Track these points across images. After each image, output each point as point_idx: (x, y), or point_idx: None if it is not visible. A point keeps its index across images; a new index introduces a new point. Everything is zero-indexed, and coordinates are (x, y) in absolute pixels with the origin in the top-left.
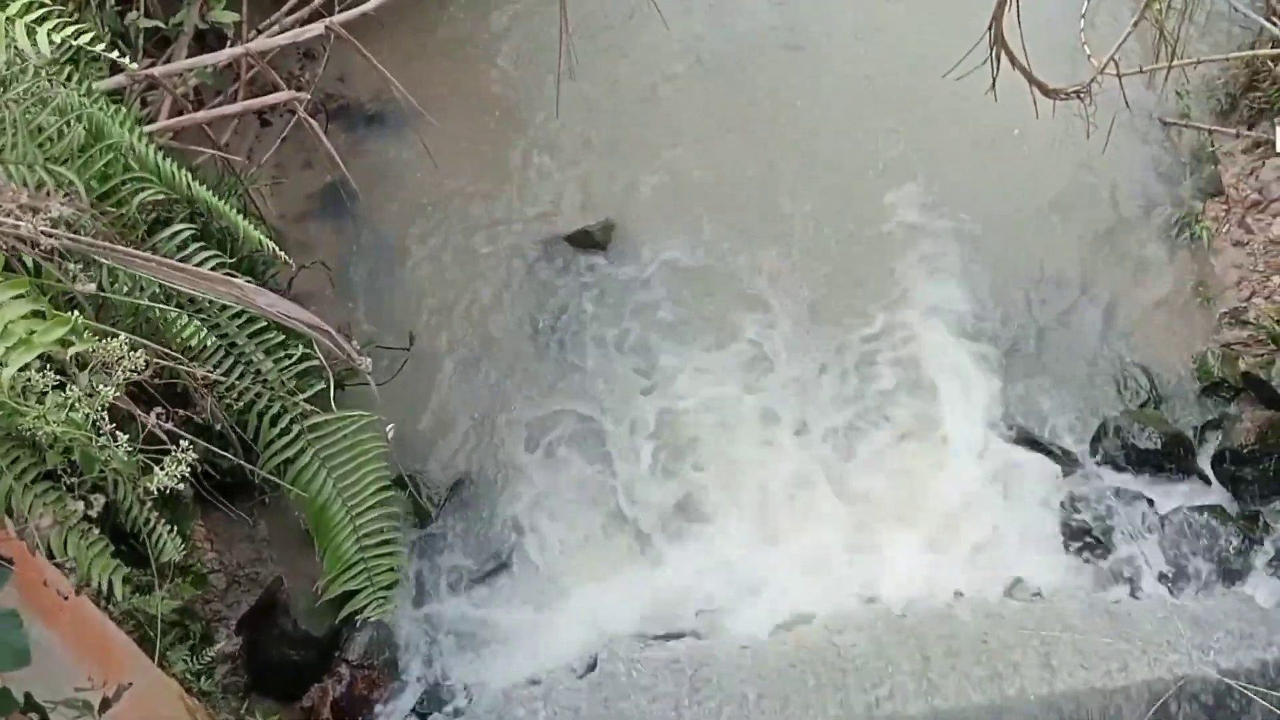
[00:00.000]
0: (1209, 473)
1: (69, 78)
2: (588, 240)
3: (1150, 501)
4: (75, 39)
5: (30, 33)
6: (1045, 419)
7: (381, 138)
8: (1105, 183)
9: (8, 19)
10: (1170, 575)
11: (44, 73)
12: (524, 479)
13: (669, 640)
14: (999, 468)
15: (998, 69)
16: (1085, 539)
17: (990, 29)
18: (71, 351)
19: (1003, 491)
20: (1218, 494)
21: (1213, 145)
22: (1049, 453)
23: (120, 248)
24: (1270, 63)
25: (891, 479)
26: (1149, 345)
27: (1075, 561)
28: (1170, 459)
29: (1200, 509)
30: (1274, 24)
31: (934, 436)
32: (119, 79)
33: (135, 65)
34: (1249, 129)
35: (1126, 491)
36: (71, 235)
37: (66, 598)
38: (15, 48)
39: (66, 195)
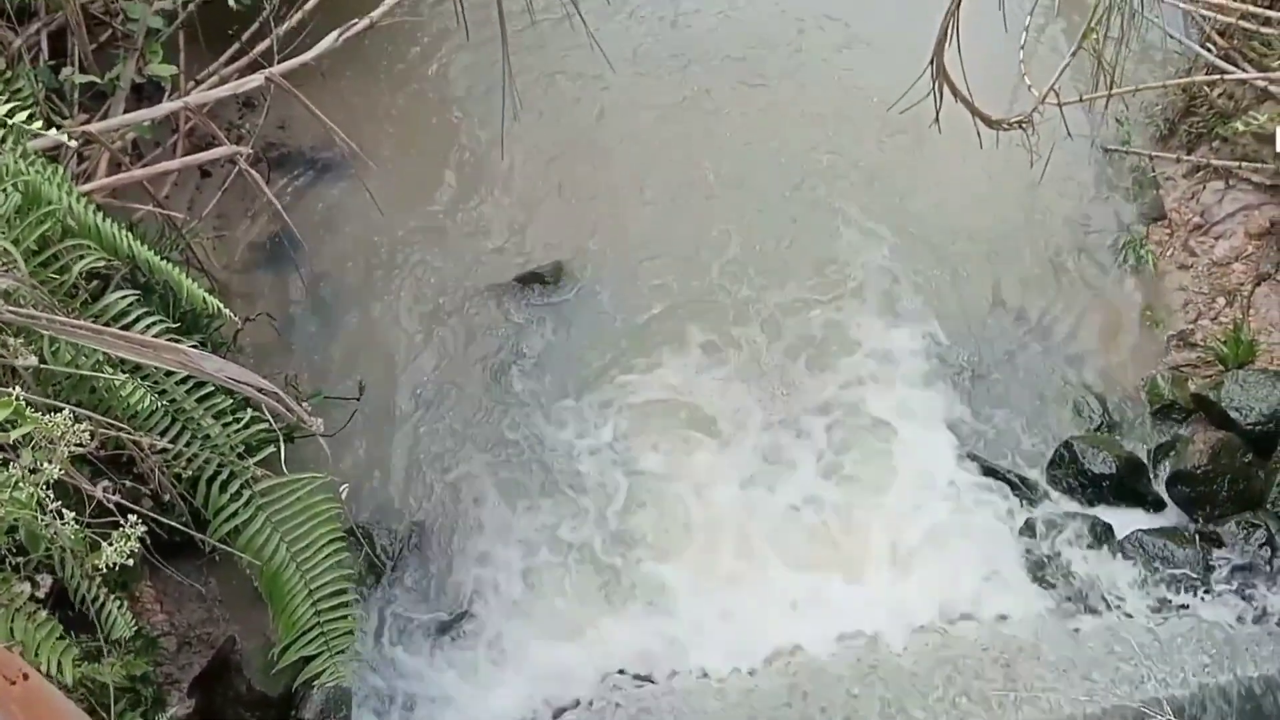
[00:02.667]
0: (1164, 495)
1: (2, 140)
2: (537, 281)
3: (1107, 526)
4: (10, 117)
5: None
6: (1000, 446)
7: (325, 185)
8: (1050, 210)
9: None
10: (1129, 599)
11: None
12: (480, 527)
13: (636, 685)
14: (956, 497)
15: (940, 101)
16: (1044, 565)
17: (932, 63)
18: (16, 434)
19: (960, 520)
20: (1173, 515)
21: (1154, 171)
22: (1006, 480)
23: (62, 319)
24: (1207, 88)
25: (846, 513)
26: (1100, 370)
27: (1035, 588)
28: (1125, 482)
29: (1156, 531)
30: (1209, 50)
31: (887, 466)
32: (54, 137)
33: (71, 121)
34: (1188, 153)
35: (1083, 516)
36: (11, 309)
37: (27, 676)
38: None
39: (4, 266)
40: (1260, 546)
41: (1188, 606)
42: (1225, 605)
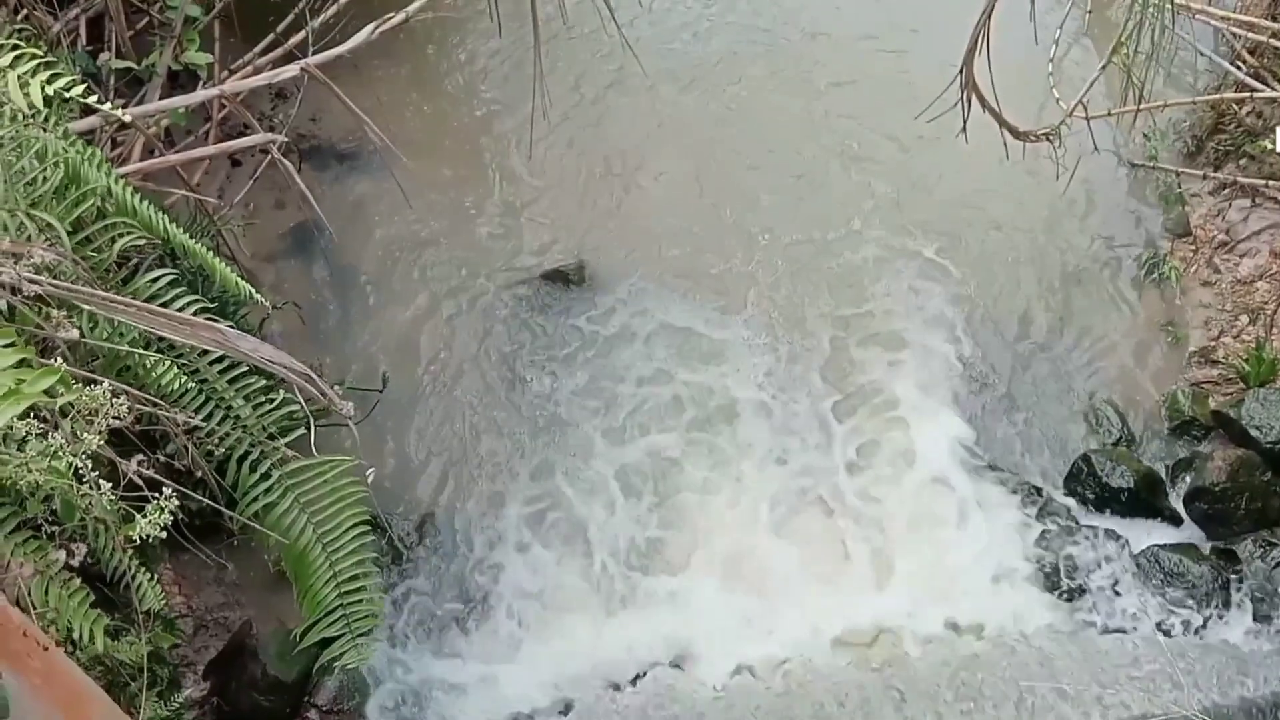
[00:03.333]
0: (1181, 511)
1: (45, 119)
2: (562, 279)
3: (1124, 540)
4: (68, 90)
5: (23, 84)
6: (1019, 458)
7: (355, 177)
8: (1075, 224)
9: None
10: (1145, 614)
11: (22, 117)
12: (496, 520)
13: (644, 679)
14: (974, 508)
15: (968, 112)
16: (1060, 578)
17: (961, 73)
18: (59, 402)
19: (978, 532)
20: (1190, 532)
21: (1180, 187)
22: (1024, 492)
23: (104, 294)
24: (1235, 106)
25: (864, 521)
26: (1120, 384)
27: (1051, 601)
28: (1143, 497)
29: (1173, 547)
30: (1238, 68)
31: (908, 477)
32: (91, 120)
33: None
34: (1215, 170)
35: (1100, 530)
36: (55, 281)
37: (47, 649)
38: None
39: (48, 240)
40: (1276, 565)
41: (1203, 623)
42: (1240, 623)
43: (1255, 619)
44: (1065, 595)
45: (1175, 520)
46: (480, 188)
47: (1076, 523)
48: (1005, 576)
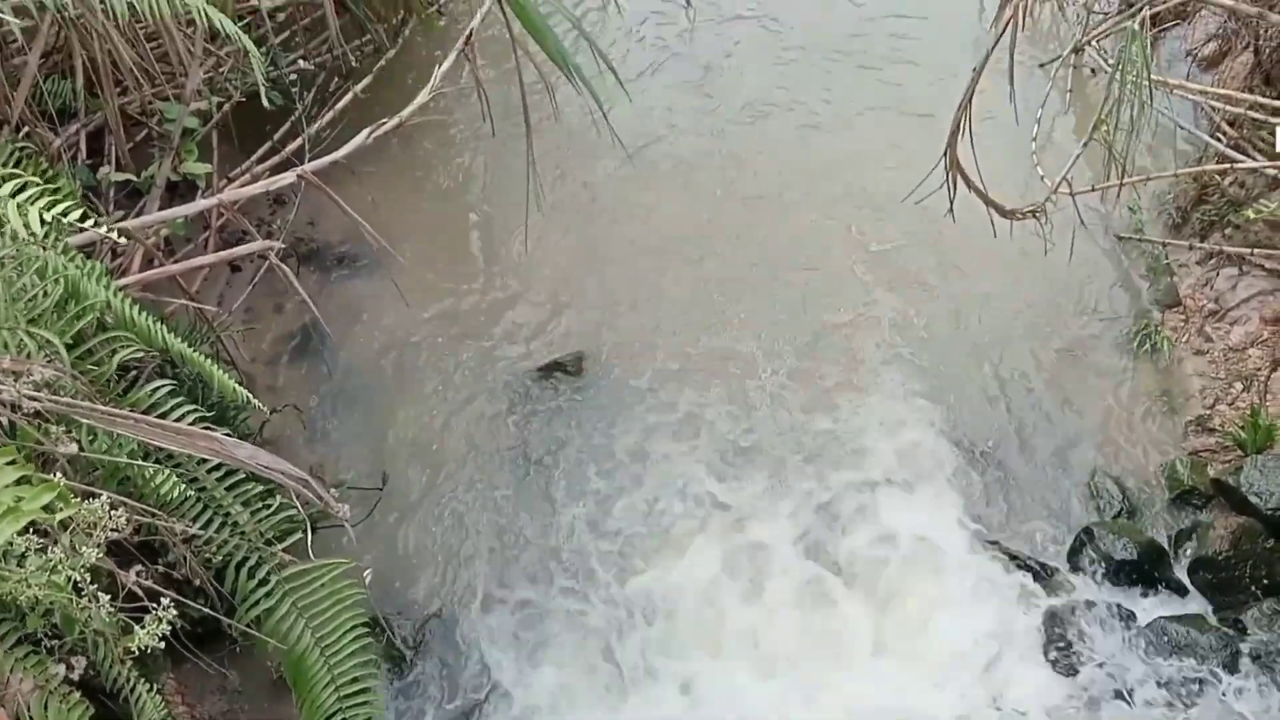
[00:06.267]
0: (1186, 581)
1: (45, 236)
2: (560, 371)
3: (1129, 612)
4: (64, 215)
5: (21, 211)
6: (1021, 533)
7: (353, 279)
8: (1066, 298)
9: None
10: (1152, 687)
11: (21, 238)
12: (500, 621)
13: None
14: (977, 584)
15: (954, 192)
16: (1066, 652)
17: (945, 155)
18: (58, 517)
19: (982, 608)
20: (1196, 602)
21: (1167, 258)
22: (1025, 567)
23: (102, 408)
24: (1218, 177)
25: (865, 599)
26: (1119, 455)
27: (1057, 676)
28: (1147, 568)
29: (1179, 618)
30: (1219, 140)
31: (910, 554)
32: (91, 234)
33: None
34: (1201, 240)
35: (1106, 603)
36: (54, 398)
37: None
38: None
39: (47, 357)
40: None
41: (1211, 695)
42: (1249, 693)
43: (1265, 688)
44: (1072, 669)
45: (1180, 590)
46: (476, 283)
47: (1081, 596)
48: (1008, 651)
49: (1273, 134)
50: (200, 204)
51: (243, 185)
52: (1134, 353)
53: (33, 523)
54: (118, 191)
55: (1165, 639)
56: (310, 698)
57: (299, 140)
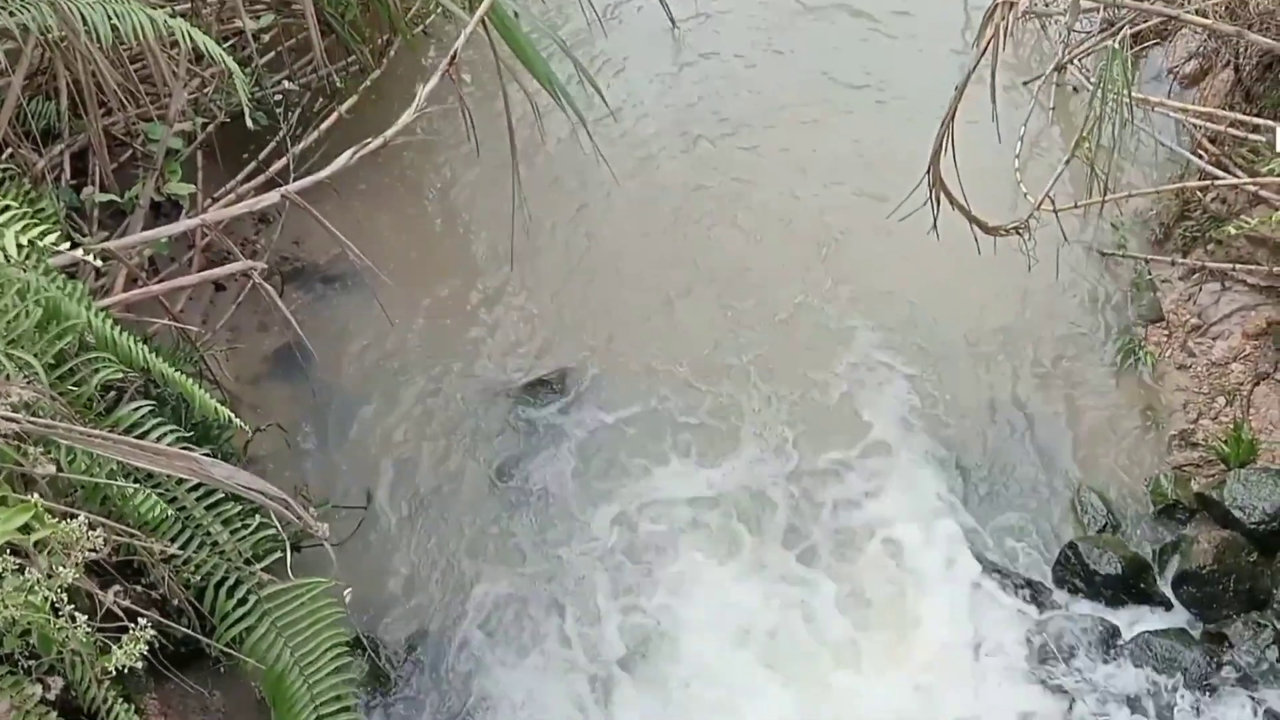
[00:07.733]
0: (1170, 595)
1: (26, 257)
2: (544, 387)
3: (1114, 627)
4: (40, 239)
5: None
6: (1006, 548)
7: (338, 298)
8: (1050, 314)
9: None
10: (1137, 701)
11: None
12: (484, 638)
13: None
14: (960, 599)
15: (938, 209)
16: (1051, 667)
17: (929, 172)
18: (34, 538)
19: (965, 622)
20: (1181, 616)
21: (1150, 273)
22: (1010, 582)
23: (80, 429)
24: (1200, 193)
25: (851, 617)
26: (1102, 471)
27: (1041, 690)
28: (1131, 583)
29: (1164, 633)
30: (1200, 157)
31: (891, 569)
32: (74, 254)
33: (90, 238)
34: (1184, 256)
35: (1091, 618)
36: (33, 419)
37: None
38: None
39: (26, 379)
40: (1267, 647)
41: (1197, 709)
42: (1234, 707)
43: (1249, 701)
44: (1058, 685)
45: (1165, 604)
46: (462, 303)
47: (1066, 611)
48: (994, 667)
49: (1254, 151)
50: (184, 224)
51: (227, 205)
52: (1118, 368)
53: (9, 543)
54: (102, 212)
55: (1150, 653)
56: (290, 717)
57: (283, 160)
